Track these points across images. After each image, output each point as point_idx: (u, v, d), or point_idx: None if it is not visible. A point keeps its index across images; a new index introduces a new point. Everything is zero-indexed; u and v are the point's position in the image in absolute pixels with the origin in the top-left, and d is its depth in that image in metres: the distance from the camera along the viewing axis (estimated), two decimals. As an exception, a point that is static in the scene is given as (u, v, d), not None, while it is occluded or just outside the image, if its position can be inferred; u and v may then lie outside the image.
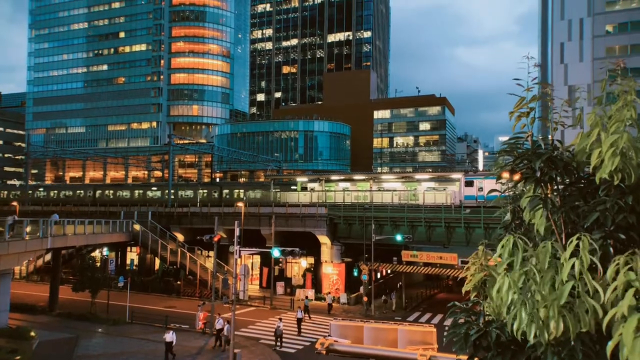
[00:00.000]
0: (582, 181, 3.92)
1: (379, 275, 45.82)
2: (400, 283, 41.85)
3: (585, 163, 3.73)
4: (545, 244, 3.39)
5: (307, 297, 38.70)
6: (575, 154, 3.78)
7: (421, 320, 35.46)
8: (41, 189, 74.16)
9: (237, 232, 28.50)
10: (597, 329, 3.14)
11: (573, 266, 3.13)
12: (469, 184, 41.04)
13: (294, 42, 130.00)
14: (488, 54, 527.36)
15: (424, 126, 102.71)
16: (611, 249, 3.47)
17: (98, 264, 41.57)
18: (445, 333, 4.22)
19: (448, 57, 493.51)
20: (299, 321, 31.44)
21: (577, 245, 3.19)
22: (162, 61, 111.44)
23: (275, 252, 29.80)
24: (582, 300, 3.11)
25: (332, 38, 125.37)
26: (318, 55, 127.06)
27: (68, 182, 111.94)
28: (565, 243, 3.43)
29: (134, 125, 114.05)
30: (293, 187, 52.38)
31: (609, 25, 63.38)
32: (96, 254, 49.40)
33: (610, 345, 2.80)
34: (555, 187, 3.83)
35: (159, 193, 61.54)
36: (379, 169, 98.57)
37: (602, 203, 3.53)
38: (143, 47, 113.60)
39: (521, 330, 3.25)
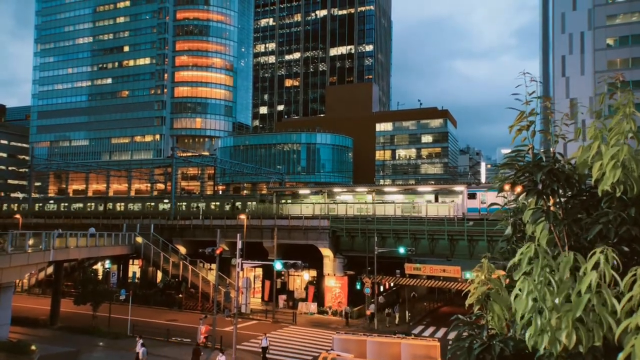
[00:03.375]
0: (585, 193, 3.92)
1: (382, 289, 45.54)
2: (414, 293, 41.67)
3: (587, 175, 3.74)
4: (568, 254, 3.37)
5: (347, 307, 40.23)
6: (576, 167, 3.80)
7: (425, 334, 35.12)
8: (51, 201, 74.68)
9: (239, 245, 28.47)
10: (604, 342, 3.11)
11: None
12: (472, 196, 40.96)
13: (297, 55, 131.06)
14: (488, 67, 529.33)
15: (426, 139, 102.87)
16: (616, 262, 3.45)
17: (100, 277, 41.48)
18: (449, 347, 4.19)
19: (448, 69, 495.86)
20: (264, 350, 27.84)
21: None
22: (165, 75, 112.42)
23: (278, 265, 29.73)
24: (596, 314, 3.08)
25: (334, 52, 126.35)
26: (320, 69, 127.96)
27: (71, 194, 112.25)
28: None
29: (138, 138, 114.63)
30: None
31: (610, 38, 63.72)
32: (98, 266, 49.29)
33: (621, 357, 2.77)
34: (558, 199, 3.84)
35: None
36: (382, 182, 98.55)
37: (605, 215, 3.52)
38: (147, 60, 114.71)
39: (533, 339, 3.21)
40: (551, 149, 3.97)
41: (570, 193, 3.91)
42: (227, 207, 55.92)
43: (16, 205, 74.39)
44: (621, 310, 2.96)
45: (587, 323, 3.09)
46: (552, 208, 3.80)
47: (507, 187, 4.10)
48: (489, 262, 4.02)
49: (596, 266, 3.11)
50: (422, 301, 47.96)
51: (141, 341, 25.69)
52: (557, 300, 3.18)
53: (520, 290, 3.36)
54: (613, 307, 3.03)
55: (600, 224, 3.51)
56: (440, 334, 35.04)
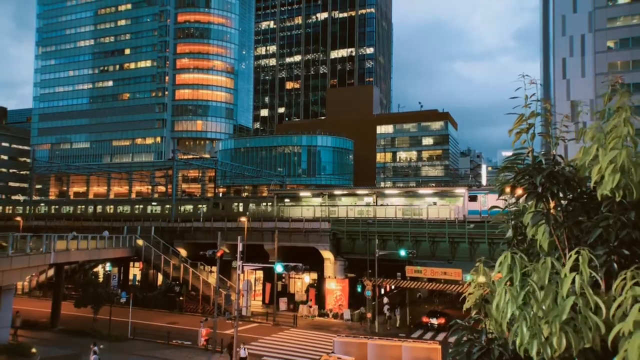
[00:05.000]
0: (585, 196, 3.90)
1: (382, 291, 45.44)
2: (419, 294, 41.49)
3: (587, 178, 3.72)
4: (545, 259, 3.36)
5: (362, 308, 40.49)
6: (577, 169, 3.78)
7: (425, 337, 35.04)
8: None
9: (240, 248, 28.45)
10: (601, 345, 3.09)
11: (574, 281, 3.09)
12: (473, 198, 40.87)
13: (298, 58, 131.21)
14: (488, 69, 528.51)
15: (427, 141, 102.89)
16: (615, 265, 3.44)
17: (100, 280, 41.45)
18: (450, 351, 4.17)
19: (449, 72, 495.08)
20: None
21: (577, 260, 3.15)
22: (166, 77, 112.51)
23: (279, 268, 29.68)
24: (584, 316, 3.07)
25: (335, 54, 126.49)
26: (321, 71, 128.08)
27: (72, 197, 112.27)
28: (569, 258, 3.40)
29: (138, 141, 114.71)
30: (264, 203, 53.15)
31: (611, 41, 63.72)
32: (99, 269, 49.25)
33: (615, 361, 2.76)
34: (558, 202, 3.82)
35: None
36: (382, 184, 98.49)
37: (605, 219, 3.50)
38: (148, 63, 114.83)
39: (523, 346, 3.20)
40: (551, 152, 3.95)
41: (570, 196, 3.89)
42: (159, 211, 56.48)
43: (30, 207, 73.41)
44: (614, 314, 2.95)
45: (577, 326, 3.07)
46: (552, 211, 3.78)
47: (507, 189, 4.08)
48: (485, 265, 4.00)
49: (576, 268, 3.10)
50: (425, 304, 47.84)
51: (95, 348, 25.24)
52: (544, 306, 3.16)
53: (499, 301, 3.35)
54: (598, 306, 3.02)
55: (600, 228, 3.50)
56: (441, 337, 34.94)
